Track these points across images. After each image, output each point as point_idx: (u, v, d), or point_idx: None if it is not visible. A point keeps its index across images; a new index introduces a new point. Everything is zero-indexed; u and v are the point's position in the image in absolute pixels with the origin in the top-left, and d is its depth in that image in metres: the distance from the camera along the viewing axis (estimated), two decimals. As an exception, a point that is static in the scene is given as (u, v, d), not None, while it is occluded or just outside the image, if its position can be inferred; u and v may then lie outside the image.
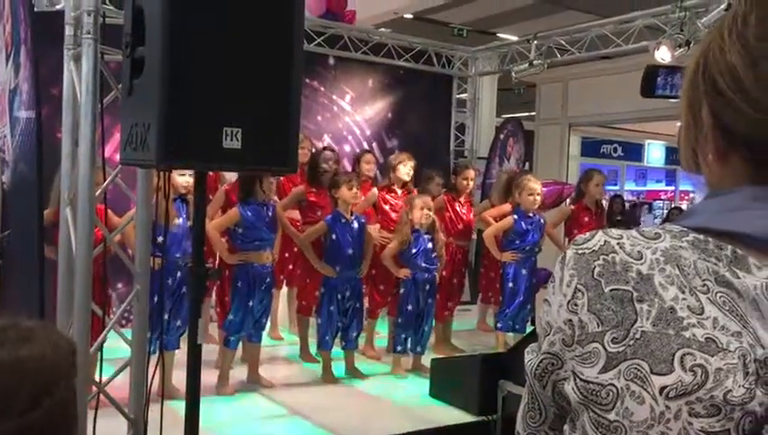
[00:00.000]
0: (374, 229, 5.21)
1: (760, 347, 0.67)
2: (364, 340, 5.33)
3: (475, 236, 6.04)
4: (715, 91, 0.75)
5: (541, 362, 0.79)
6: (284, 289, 5.69)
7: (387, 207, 5.44)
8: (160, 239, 3.98)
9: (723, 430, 0.66)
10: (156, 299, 3.75)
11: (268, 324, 5.44)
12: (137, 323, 2.91)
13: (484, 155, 8.11)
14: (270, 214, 4.44)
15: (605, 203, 6.42)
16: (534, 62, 7.04)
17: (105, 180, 2.82)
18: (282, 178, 5.30)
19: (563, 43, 7.13)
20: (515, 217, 5.32)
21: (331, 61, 7.12)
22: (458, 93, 8.21)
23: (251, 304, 4.34)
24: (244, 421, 3.98)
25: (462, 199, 5.69)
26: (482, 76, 8.30)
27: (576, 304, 0.73)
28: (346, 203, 4.71)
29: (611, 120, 10.67)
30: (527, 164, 8.43)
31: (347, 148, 7.21)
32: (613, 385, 0.70)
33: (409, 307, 4.89)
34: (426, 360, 4.90)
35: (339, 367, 4.85)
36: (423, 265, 4.89)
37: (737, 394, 0.66)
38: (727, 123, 0.75)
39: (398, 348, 4.95)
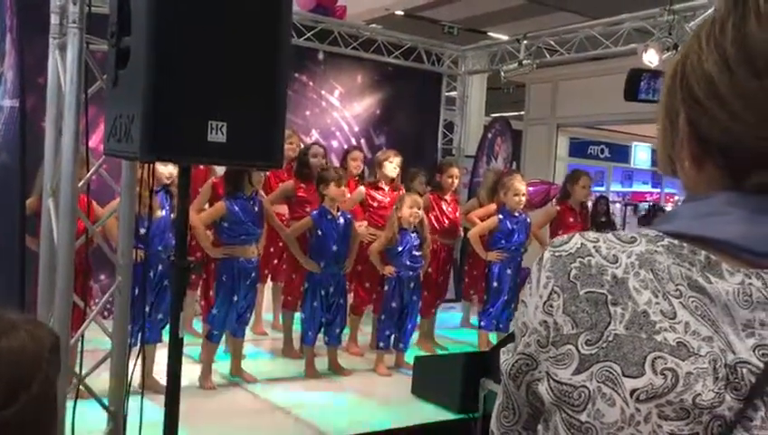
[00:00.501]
0: (362, 226, 5.21)
1: (731, 352, 0.68)
2: (348, 337, 5.33)
3: (462, 235, 6.05)
4: (691, 99, 0.76)
5: (516, 362, 0.79)
6: (269, 284, 5.67)
7: (375, 205, 5.44)
8: (143, 231, 3.97)
9: (692, 434, 0.67)
10: (137, 291, 3.74)
11: (252, 319, 5.45)
12: (118, 315, 2.90)
13: (471, 153, 8.12)
14: (256, 208, 4.43)
15: (590, 204, 6.45)
16: (524, 61, 7.06)
17: (88, 171, 2.80)
18: (269, 173, 5.29)
19: (553, 43, 7.16)
20: (500, 216, 5.34)
21: (321, 56, 7.11)
22: (447, 91, 8.21)
23: (235, 298, 4.32)
24: (225, 415, 3.97)
25: (447, 198, 5.70)
26: (471, 75, 8.31)
27: (552, 306, 0.74)
28: (333, 199, 4.71)
29: (599, 121, 10.72)
30: (514, 163, 8.45)
31: (335, 143, 7.20)
32: (585, 387, 0.71)
33: (393, 304, 4.90)
34: (409, 357, 4.91)
35: (322, 363, 4.85)
36: (408, 262, 4.90)
37: (706, 398, 0.67)
38: (703, 131, 0.75)
39: (381, 344, 4.95)
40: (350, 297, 5.42)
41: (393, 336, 4.96)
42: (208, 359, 4.41)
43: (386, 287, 4.94)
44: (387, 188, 5.46)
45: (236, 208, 4.30)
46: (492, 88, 9.88)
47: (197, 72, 2.32)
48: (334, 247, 4.70)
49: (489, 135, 8.08)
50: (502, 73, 7.37)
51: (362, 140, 7.37)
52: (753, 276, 0.70)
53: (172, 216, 4.04)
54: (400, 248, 4.87)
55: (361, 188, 5.45)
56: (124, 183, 2.85)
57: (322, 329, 4.78)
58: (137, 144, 2.26)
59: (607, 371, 0.70)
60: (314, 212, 4.76)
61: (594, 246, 0.75)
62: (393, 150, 5.59)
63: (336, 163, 6.14)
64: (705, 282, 0.71)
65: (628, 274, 0.72)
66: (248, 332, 5.11)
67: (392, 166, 5.41)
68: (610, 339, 0.70)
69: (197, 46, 2.33)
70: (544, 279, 0.75)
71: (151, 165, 3.89)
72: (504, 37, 8.43)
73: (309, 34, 6.83)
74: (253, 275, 4.43)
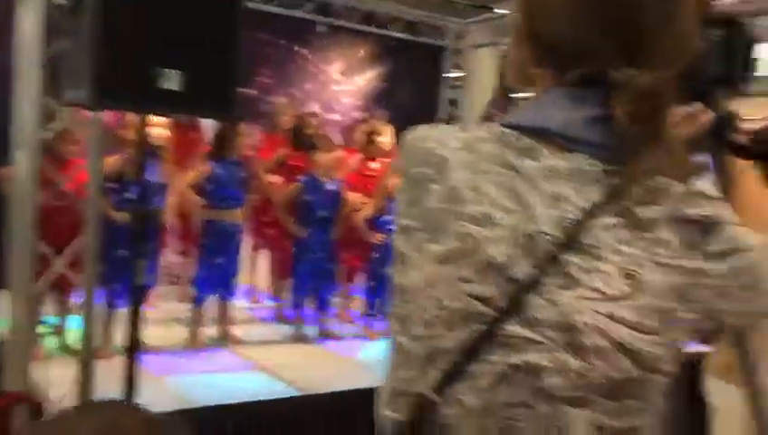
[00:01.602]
0: (356, 196, 5.23)
1: (532, 223, 0.75)
2: (340, 303, 5.38)
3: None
4: (527, 3, 0.85)
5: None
6: (264, 252, 5.73)
7: (367, 173, 5.44)
8: (128, 195, 4.05)
9: (489, 296, 0.74)
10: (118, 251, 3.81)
11: (246, 286, 5.53)
12: (86, 271, 2.96)
13: (475, 128, 8.06)
14: (242, 173, 4.47)
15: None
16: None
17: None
18: (263, 142, 5.35)
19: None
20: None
21: (321, 28, 7.11)
22: (451, 66, 8.16)
23: (219, 261, 4.38)
24: (208, 372, 4.04)
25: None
26: (475, 48, 8.23)
27: (398, 188, 0.84)
28: (322, 166, 4.74)
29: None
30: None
31: (335, 117, 7.22)
32: (404, 254, 0.80)
33: (382, 271, 4.92)
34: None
35: (313, 329, 4.91)
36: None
37: (500, 260, 0.74)
38: (536, 31, 0.84)
39: (371, 311, 4.99)
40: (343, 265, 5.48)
41: (382, 302, 4.99)
42: (196, 322, 4.48)
43: (375, 255, 4.97)
44: (384, 160, 5.46)
45: (220, 171, 4.35)
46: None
47: (148, 20, 2.35)
48: (321, 213, 4.74)
49: (492, 110, 8.02)
50: (505, 47, 7.29)
51: (363, 114, 7.37)
52: (565, 159, 0.77)
53: (158, 178, 4.09)
54: (388, 216, 4.90)
55: (356, 157, 5.46)
56: (90, 136, 2.90)
57: (313, 295, 4.83)
58: (85, 91, 2.30)
59: (417, 238, 0.79)
60: (303, 178, 4.80)
61: (434, 133, 0.82)
62: (380, 122, 5.60)
63: (337, 137, 6.16)
64: (518, 162, 0.77)
65: (452, 155, 0.79)
66: (243, 299, 5.19)
67: (386, 138, 5.41)
68: (424, 212, 0.78)
69: (149, -3, 2.36)
70: (398, 163, 0.85)
71: (142, 126, 3.97)
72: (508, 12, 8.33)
73: (309, 6, 6.83)
74: (237, 238, 4.48)
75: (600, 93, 0.77)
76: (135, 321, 2.63)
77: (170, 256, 5.33)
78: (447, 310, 0.75)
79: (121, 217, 3.96)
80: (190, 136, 5.22)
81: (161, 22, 2.38)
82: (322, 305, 4.89)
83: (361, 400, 3.80)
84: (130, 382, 2.60)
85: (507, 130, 0.80)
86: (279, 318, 5.26)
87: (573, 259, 0.73)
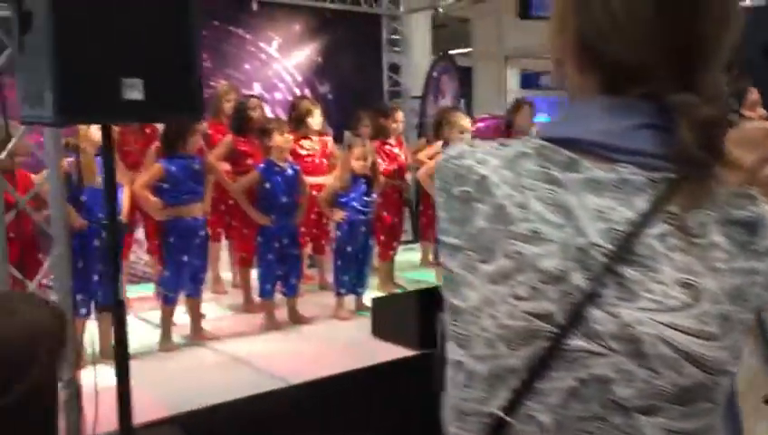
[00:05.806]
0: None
1: (581, 237, 0.75)
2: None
3: (413, 175, 6.07)
4: (584, 7, 0.81)
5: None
6: (225, 242, 5.65)
7: (303, 153, 5.33)
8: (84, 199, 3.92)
9: (547, 313, 0.74)
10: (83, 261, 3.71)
11: (211, 279, 5.45)
12: (58, 286, 2.87)
13: (418, 94, 8.08)
14: (197, 166, 4.37)
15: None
16: (461, -5, 6.99)
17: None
18: (210, 129, 5.22)
19: (490, -26, 7.09)
20: (447, 153, 5.34)
21: (255, 6, 6.94)
22: (390, 33, 8.11)
23: (185, 258, 4.30)
24: (189, 374, 3.99)
25: (392, 141, 5.71)
26: (411, 13, 8.20)
27: (439, 205, 0.83)
28: (279, 150, 4.68)
29: (547, 50, 10.68)
30: (462, 101, 8.44)
31: (278, 95, 7.11)
32: (457, 273, 0.80)
33: (348, 249, 4.93)
34: (369, 300, 4.96)
35: (283, 315, 4.89)
36: (359, 207, 4.92)
37: (555, 275, 0.74)
38: (588, 37, 0.81)
39: (341, 290, 5.00)
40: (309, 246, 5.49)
41: (351, 281, 5.00)
42: (167, 322, 4.41)
43: (338, 233, 4.97)
44: (315, 138, 5.40)
45: (174, 168, 4.24)
46: (437, 26, 9.77)
47: (104, 29, 2.27)
48: (284, 199, 4.69)
49: (434, 74, 8.04)
50: (440, 10, 7.29)
51: (306, 90, 7.28)
52: (608, 169, 0.77)
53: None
54: (352, 193, 4.90)
55: (288, 137, 5.29)
56: (47, 150, 2.78)
57: (279, 281, 4.80)
58: (49, 109, 2.21)
59: (467, 258, 0.79)
60: (260, 165, 4.73)
61: (471, 151, 0.82)
62: (309, 101, 5.52)
63: (282, 115, 6.05)
64: (560, 175, 0.77)
65: (492, 173, 0.79)
66: (208, 292, 5.11)
67: (315, 120, 5.29)
68: (473, 232, 0.79)
69: (102, 3, 2.27)
70: (437, 183, 0.84)
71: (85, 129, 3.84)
72: (441, -28, 8.31)
73: (240, -15, 6.66)
74: (201, 233, 4.40)
75: (646, 104, 0.78)
76: (121, 337, 2.57)
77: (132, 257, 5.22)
78: (508, 329, 0.76)
79: (79, 224, 3.86)
80: (144, 135, 5.05)
81: (116, 31, 2.29)
82: (290, 291, 4.86)
83: (355, 382, 3.86)
84: (123, 392, 2.57)
85: (546, 144, 0.80)
86: (246, 308, 5.22)
87: (628, 270, 0.74)
